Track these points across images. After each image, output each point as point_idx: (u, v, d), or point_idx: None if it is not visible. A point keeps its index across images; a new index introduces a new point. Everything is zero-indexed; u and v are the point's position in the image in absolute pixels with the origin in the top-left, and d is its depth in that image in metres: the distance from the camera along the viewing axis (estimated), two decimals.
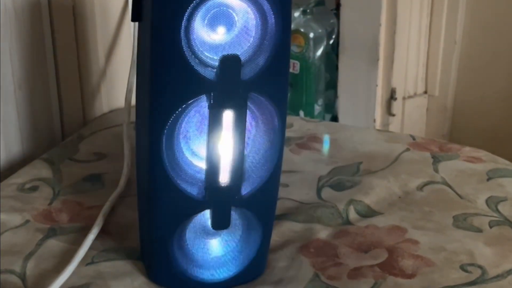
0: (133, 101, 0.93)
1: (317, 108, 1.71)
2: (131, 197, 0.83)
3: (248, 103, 0.64)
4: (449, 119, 1.63)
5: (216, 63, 0.62)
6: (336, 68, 1.64)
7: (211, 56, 0.62)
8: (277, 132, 0.67)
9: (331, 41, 1.69)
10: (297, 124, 1.04)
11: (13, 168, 0.94)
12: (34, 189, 0.86)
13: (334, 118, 1.69)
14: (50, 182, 0.88)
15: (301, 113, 1.70)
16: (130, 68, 0.95)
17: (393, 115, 1.58)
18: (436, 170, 0.91)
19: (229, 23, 0.62)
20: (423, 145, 0.98)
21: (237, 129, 0.65)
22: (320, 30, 1.67)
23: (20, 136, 0.96)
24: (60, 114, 1.02)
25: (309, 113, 1.70)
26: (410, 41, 1.55)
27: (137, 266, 0.73)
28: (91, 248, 0.74)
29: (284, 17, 0.63)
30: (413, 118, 1.62)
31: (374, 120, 1.57)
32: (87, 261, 0.73)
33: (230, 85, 0.63)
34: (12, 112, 0.94)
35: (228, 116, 0.64)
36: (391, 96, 1.57)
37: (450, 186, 0.87)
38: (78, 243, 0.75)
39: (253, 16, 0.62)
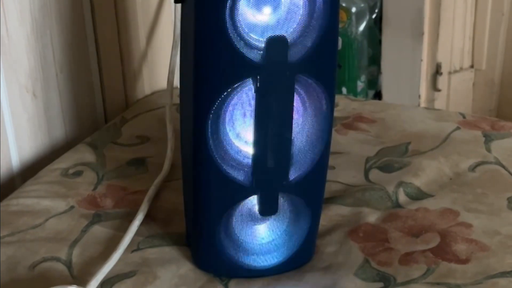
0: (176, 82, 0.91)
1: (360, 85, 1.68)
2: (176, 181, 0.82)
3: (296, 86, 0.62)
4: (497, 94, 1.59)
5: (262, 45, 0.60)
6: (379, 43, 1.61)
7: (257, 38, 0.60)
8: (325, 115, 0.65)
9: (374, 15, 1.66)
10: (342, 103, 1.02)
11: (56, 152, 0.93)
12: (78, 174, 0.86)
13: (377, 95, 1.66)
14: (94, 166, 0.87)
15: (344, 89, 1.67)
16: (172, 49, 0.93)
17: (439, 90, 1.55)
18: (489, 150, 0.88)
19: (275, 3, 0.60)
20: (474, 123, 0.95)
21: (284, 112, 0.63)
22: (362, 4, 1.64)
23: (63, 120, 0.95)
24: (102, 97, 1.01)
25: (352, 90, 1.67)
26: (455, 14, 1.51)
27: (183, 252, 0.72)
28: (136, 234, 0.74)
29: None
30: (459, 93, 1.58)
31: (419, 96, 1.54)
32: (133, 247, 0.72)
33: (277, 67, 0.61)
34: (54, 96, 0.93)
35: (275, 99, 0.62)
36: (437, 71, 1.54)
37: (503, 166, 0.84)
38: (123, 229, 0.74)
39: None
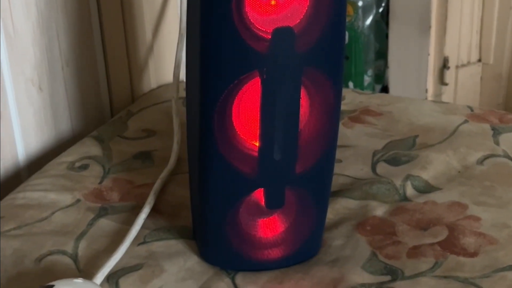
0: (182, 76, 0.91)
1: (367, 79, 1.67)
2: (182, 175, 0.82)
3: (302, 78, 0.62)
4: (504, 88, 1.58)
5: (269, 36, 0.59)
6: (386, 37, 1.60)
7: (264, 29, 0.59)
8: (332, 108, 0.64)
9: (381, 9, 1.65)
10: (349, 97, 1.02)
11: (62, 146, 0.93)
12: (84, 167, 0.85)
13: (384, 89, 1.66)
14: (100, 160, 0.87)
15: (351, 84, 1.66)
16: (178, 42, 0.93)
17: (446, 84, 1.54)
18: (497, 143, 0.87)
19: None
20: (482, 116, 0.94)
21: (291, 104, 0.62)
22: None
23: (69, 113, 0.95)
24: (109, 91, 1.01)
25: (359, 84, 1.66)
26: (463, 7, 1.50)
27: (189, 246, 0.72)
28: (142, 227, 0.73)
29: None
30: (467, 87, 1.57)
31: (426, 90, 1.54)
32: (139, 240, 0.72)
33: (283, 59, 0.60)
34: (60, 89, 0.93)
35: (281, 91, 0.61)
36: (444, 65, 1.53)
37: None
38: (129, 223, 0.74)
39: None
